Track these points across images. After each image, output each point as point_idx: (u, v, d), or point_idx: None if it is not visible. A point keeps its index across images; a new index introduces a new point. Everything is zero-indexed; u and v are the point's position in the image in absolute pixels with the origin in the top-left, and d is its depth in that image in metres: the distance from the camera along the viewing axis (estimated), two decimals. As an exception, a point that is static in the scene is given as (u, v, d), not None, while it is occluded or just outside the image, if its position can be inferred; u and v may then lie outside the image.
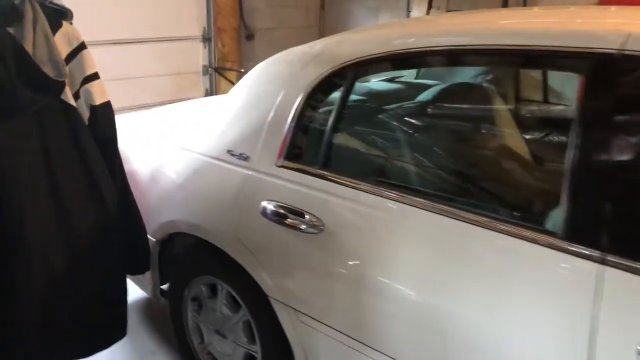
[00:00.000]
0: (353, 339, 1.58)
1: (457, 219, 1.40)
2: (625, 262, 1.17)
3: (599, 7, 2.56)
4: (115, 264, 1.88)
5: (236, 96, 2.06)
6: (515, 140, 1.88)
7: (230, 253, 1.88)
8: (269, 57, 2.03)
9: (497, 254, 1.34)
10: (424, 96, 2.03)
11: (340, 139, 1.76)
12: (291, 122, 1.79)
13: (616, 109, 1.26)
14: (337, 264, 1.61)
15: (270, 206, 1.75)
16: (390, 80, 2.23)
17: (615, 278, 1.17)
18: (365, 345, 1.55)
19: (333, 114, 1.73)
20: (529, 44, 1.42)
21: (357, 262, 1.56)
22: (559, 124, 1.95)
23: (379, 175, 1.72)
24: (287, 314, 1.74)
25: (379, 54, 1.62)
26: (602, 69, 1.28)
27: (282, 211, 1.72)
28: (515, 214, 1.39)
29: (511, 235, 1.31)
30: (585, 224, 1.24)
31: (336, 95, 1.76)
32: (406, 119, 1.86)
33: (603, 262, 1.20)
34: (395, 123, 1.83)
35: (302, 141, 1.80)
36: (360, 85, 2.00)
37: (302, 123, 1.79)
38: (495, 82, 2.11)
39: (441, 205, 1.44)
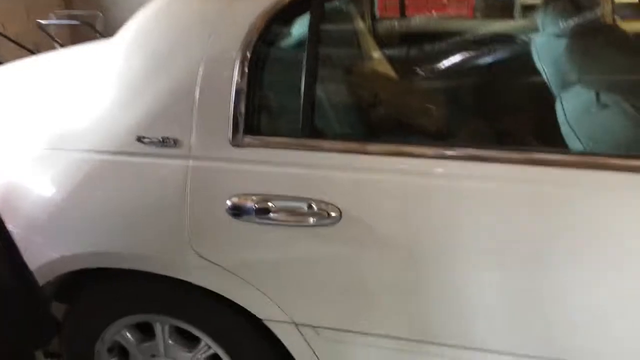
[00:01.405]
0: (409, 340, 1.25)
1: (543, 165, 1.13)
2: None
3: None
4: (19, 344, 1.21)
5: (117, 59, 1.43)
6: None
7: (188, 279, 1.35)
8: None
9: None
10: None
11: (328, 90, 1.32)
12: (241, 79, 1.27)
13: None
14: (372, 256, 1.22)
15: (247, 203, 1.26)
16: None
17: None
18: (430, 342, 1.23)
19: (306, 57, 1.27)
20: None
21: (406, 247, 1.20)
22: None
23: (403, 131, 1.35)
24: (301, 335, 1.31)
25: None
26: None
27: (271, 205, 1.24)
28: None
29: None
30: None
31: (302, 30, 1.29)
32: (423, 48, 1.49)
33: None
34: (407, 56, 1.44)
35: (265, 103, 1.31)
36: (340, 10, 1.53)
37: (258, 77, 1.29)
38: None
39: (514, 153, 1.15)
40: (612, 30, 1.65)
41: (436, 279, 1.19)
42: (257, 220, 1.25)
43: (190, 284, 1.36)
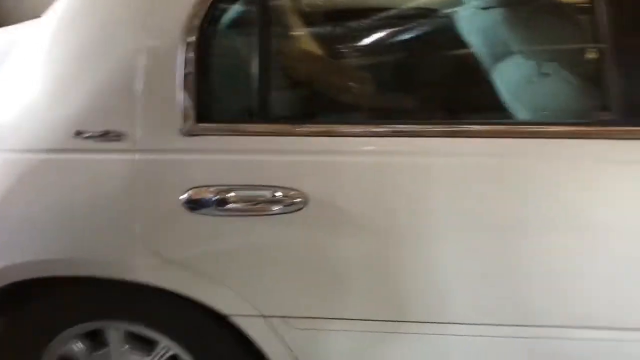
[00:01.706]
0: (384, 321, 1.24)
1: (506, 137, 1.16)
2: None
3: None
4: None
5: (45, 45, 1.30)
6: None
7: (145, 280, 1.26)
8: None
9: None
10: None
11: (283, 70, 1.26)
12: (188, 63, 1.19)
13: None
14: (342, 239, 1.20)
15: (206, 195, 1.19)
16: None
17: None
18: (407, 322, 1.23)
19: (257, 36, 1.21)
20: None
21: (376, 226, 1.19)
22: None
23: (363, 109, 1.32)
24: (270, 327, 1.27)
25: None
26: None
27: (232, 195, 1.18)
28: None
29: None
30: None
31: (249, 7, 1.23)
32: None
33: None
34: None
35: (218, 88, 1.24)
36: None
37: (207, 60, 1.21)
38: None
39: (476, 127, 1.18)
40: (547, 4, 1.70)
41: (409, 256, 1.19)
42: (218, 212, 1.19)
43: (145, 285, 1.27)
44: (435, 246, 1.19)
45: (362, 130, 1.21)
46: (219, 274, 1.24)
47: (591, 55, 1.37)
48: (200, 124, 1.20)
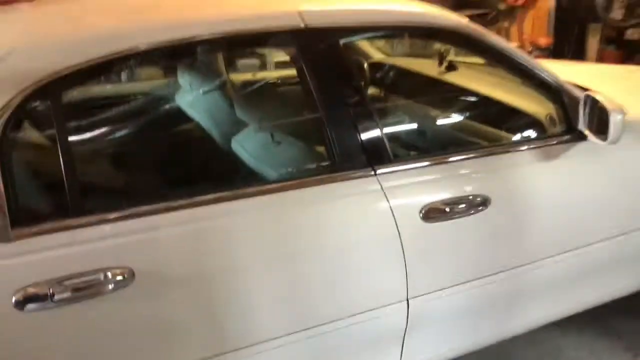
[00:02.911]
0: (211, 357, 1.49)
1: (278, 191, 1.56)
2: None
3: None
4: None
5: None
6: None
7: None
8: None
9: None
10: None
11: (89, 167, 1.43)
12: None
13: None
14: (172, 300, 1.42)
15: (38, 291, 1.28)
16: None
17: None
18: (228, 352, 1.51)
19: (60, 144, 1.36)
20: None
21: (195, 281, 1.44)
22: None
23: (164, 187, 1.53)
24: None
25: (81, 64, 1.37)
26: None
27: (64, 285, 1.30)
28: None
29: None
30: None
31: (44, 120, 1.39)
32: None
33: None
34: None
35: (29, 188, 1.34)
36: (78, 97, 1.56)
37: (13, 160, 1.31)
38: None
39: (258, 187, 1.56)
40: (267, 85, 2.18)
41: (223, 298, 1.47)
42: (52, 305, 1.29)
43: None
44: (242, 285, 1.50)
45: (159, 207, 1.45)
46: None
47: (310, 123, 1.85)
48: (17, 228, 1.29)
